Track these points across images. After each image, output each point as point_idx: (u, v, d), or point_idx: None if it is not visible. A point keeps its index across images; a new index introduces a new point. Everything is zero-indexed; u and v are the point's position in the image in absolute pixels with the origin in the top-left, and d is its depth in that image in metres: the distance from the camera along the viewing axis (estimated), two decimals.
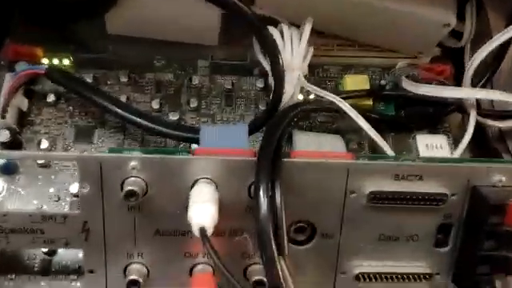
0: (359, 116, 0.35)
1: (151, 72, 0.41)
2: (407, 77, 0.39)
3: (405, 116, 0.42)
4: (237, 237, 0.30)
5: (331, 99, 0.36)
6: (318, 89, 0.36)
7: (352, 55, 0.44)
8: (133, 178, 0.28)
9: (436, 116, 0.41)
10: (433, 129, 0.42)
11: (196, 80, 0.41)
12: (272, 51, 0.31)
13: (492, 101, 0.43)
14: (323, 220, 0.30)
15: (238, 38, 0.42)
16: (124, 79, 0.40)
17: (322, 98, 0.36)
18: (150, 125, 0.35)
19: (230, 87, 0.41)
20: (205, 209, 0.25)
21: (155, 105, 0.39)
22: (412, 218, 0.31)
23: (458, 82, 0.43)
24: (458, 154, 0.38)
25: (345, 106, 0.35)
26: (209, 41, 0.42)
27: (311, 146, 0.31)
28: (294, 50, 0.37)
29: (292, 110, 0.32)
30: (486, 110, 0.42)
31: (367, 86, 0.40)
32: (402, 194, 0.29)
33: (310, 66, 0.38)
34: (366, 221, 0.30)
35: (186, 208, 0.27)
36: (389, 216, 0.30)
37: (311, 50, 0.38)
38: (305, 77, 0.37)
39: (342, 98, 0.37)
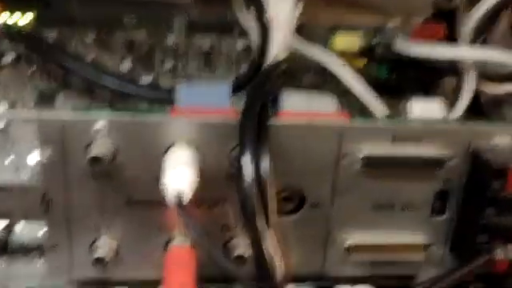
0: (352, 73, 0.32)
1: (121, 31, 0.37)
2: (399, 37, 0.36)
3: (398, 79, 0.39)
4: (217, 208, 0.27)
5: (322, 56, 0.32)
6: (307, 44, 0.33)
7: (340, 14, 0.41)
8: (99, 142, 0.24)
9: (430, 79, 0.39)
10: (427, 92, 0.39)
11: (171, 40, 0.37)
12: (257, 2, 0.28)
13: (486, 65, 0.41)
14: (313, 188, 0.27)
15: None
16: (91, 38, 0.36)
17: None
18: (119, 86, 0.31)
19: (208, 48, 0.38)
20: (182, 173, 0.22)
21: (126, 66, 0.36)
22: (408, 184, 0.28)
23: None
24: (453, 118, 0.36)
25: (336, 62, 0.32)
26: None
27: (300, 106, 0.28)
28: (281, 5, 0.33)
29: (278, 67, 0.29)
30: (483, 74, 0.39)
31: (358, 46, 0.37)
32: (398, 158, 0.27)
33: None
34: (360, 188, 0.28)
35: (159, 175, 0.24)
36: (384, 182, 0.28)
37: (300, 5, 0.35)
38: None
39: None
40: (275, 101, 0.29)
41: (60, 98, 0.34)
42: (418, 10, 0.41)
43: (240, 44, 0.38)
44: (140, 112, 0.26)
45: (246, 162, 0.23)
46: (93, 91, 0.35)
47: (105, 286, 0.28)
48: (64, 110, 0.27)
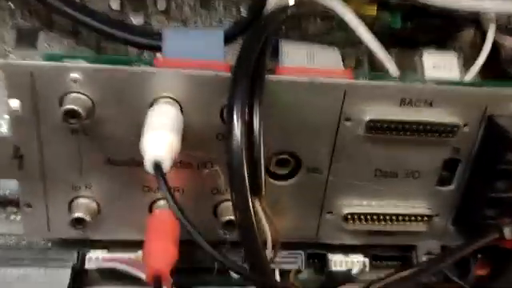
0: (360, 23, 0.28)
1: None
2: None
3: (411, 29, 0.35)
4: (206, 169, 0.25)
5: (327, 2, 0.29)
6: None
7: None
8: (74, 94, 0.22)
9: (447, 30, 0.35)
10: (442, 46, 0.36)
11: None
12: None
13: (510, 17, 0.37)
14: (310, 151, 0.25)
15: None
16: None
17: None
18: (105, 28, 0.28)
19: None
20: (161, 138, 0.20)
21: (114, 4, 0.32)
22: (415, 151, 0.26)
23: None
24: (469, 77, 0.32)
25: (343, 9, 0.29)
26: None
27: (301, 60, 0.25)
28: None
29: (278, 14, 0.26)
30: (505, 27, 0.36)
31: None
32: (407, 123, 0.24)
33: None
34: (361, 153, 0.25)
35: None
36: (388, 148, 0.25)
37: None
38: None
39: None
40: (274, 52, 0.26)
41: (41, 39, 0.31)
42: None
43: None
44: (120, 61, 0.23)
45: (236, 121, 0.21)
46: (77, 32, 0.32)
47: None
48: (34, 58, 0.24)
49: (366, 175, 0.26)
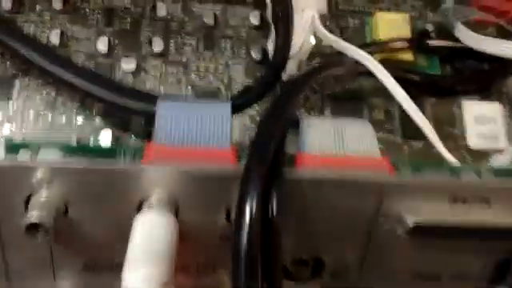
0: (397, 85, 0.23)
1: None
2: (463, 22, 0.27)
3: (451, 75, 0.30)
4: (208, 274, 0.20)
5: (357, 56, 0.24)
6: (339, 39, 0.24)
7: None
8: (42, 199, 0.17)
9: (492, 76, 0.30)
10: (485, 94, 0.31)
11: (163, 9, 0.29)
12: None
13: None
14: (337, 255, 0.20)
15: None
16: (58, 4, 0.28)
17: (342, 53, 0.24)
18: (90, 87, 0.23)
19: (211, 22, 0.29)
20: (143, 273, 0.15)
21: (102, 45, 0.27)
22: (465, 253, 0.21)
23: None
24: None
25: (377, 68, 0.24)
26: None
27: (327, 141, 0.20)
28: None
29: (300, 84, 0.21)
30: None
31: (407, 31, 0.28)
32: (460, 228, 0.19)
33: None
34: (399, 256, 0.21)
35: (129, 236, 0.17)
36: (433, 251, 0.21)
37: None
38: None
39: (372, 51, 0.26)
40: (294, 126, 0.21)
41: (16, 88, 0.26)
42: None
43: (254, 18, 0.29)
44: (103, 152, 0.18)
45: (248, 218, 0.16)
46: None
47: None
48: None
49: (402, 278, 0.21)
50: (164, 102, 0.20)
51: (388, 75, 0.23)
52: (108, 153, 0.18)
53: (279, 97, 0.20)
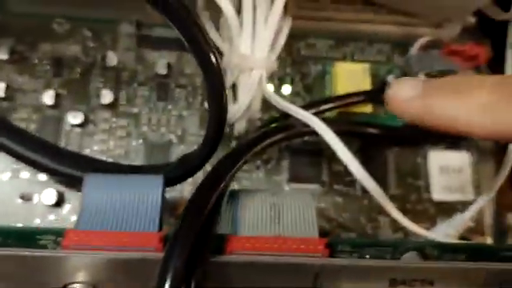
0: (347, 153, 0.22)
1: (47, 42, 0.28)
2: (427, 75, 0.26)
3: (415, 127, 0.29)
4: None
5: (301, 118, 0.23)
6: (286, 103, 0.23)
7: (352, 19, 0.30)
8: None
9: None
10: (452, 142, 0.30)
11: (114, 58, 0.28)
12: (205, 58, 0.18)
13: None
14: None
15: None
16: (4, 54, 0.27)
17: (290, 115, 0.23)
18: (19, 149, 0.22)
19: (164, 71, 0.28)
20: None
21: (48, 98, 0.26)
22: None
23: (496, 71, 0.30)
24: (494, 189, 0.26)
25: (325, 132, 0.22)
26: None
27: (262, 218, 0.19)
28: (258, 35, 0.23)
29: (239, 154, 0.20)
30: None
31: (366, 82, 0.27)
32: None
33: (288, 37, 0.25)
34: None
35: None
36: None
37: (287, 25, 0.25)
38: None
39: (328, 109, 0.25)
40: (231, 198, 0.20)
41: None
42: (456, 17, 0.30)
43: None
44: (22, 235, 0.17)
45: None
46: None
47: None
48: None
49: None
50: (91, 178, 0.19)
51: (336, 139, 0.22)
52: (29, 235, 0.17)
53: (212, 171, 0.19)
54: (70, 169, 0.21)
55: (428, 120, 0.18)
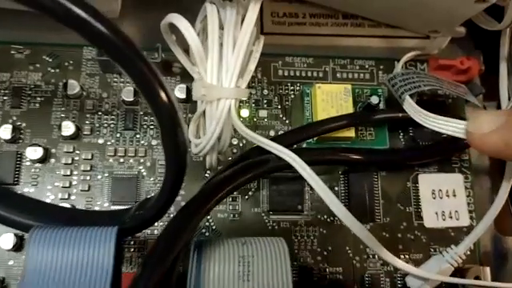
0: (323, 187, 0.20)
1: (5, 71, 0.26)
2: (413, 95, 0.24)
3: (401, 149, 0.27)
4: None
5: (279, 154, 0.21)
6: (257, 136, 0.21)
7: (333, 33, 0.28)
8: None
9: (451, 146, 0.27)
10: (444, 163, 0.28)
11: (76, 85, 0.26)
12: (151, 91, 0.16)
13: None
14: None
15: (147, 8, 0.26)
16: None
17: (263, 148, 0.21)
18: None
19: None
20: None
21: (5, 133, 0.24)
22: None
23: (489, 85, 0.28)
24: (489, 217, 0.24)
25: (302, 168, 0.20)
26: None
27: (229, 271, 0.17)
28: (224, 62, 0.21)
29: (201, 203, 0.18)
30: None
31: (348, 104, 0.25)
32: None
33: (261, 55, 0.23)
34: None
35: None
36: None
37: (259, 46, 0.23)
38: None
39: (306, 137, 0.23)
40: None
41: None
42: (445, 28, 0.28)
43: (180, 91, 0.26)
44: None
45: None
46: None
47: None
48: None
49: None
50: (36, 233, 0.17)
51: (313, 175, 0.20)
52: None
53: (170, 224, 0.17)
54: (18, 217, 0.19)
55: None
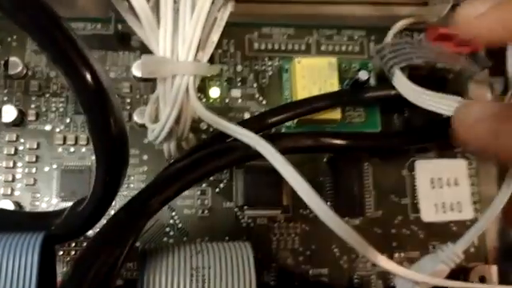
0: (297, 179, 0.17)
1: None
2: (404, 69, 0.20)
3: (395, 132, 0.24)
4: None
5: (248, 141, 0.17)
6: (221, 121, 0.18)
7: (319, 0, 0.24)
8: None
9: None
10: (444, 148, 0.24)
11: (19, 64, 0.22)
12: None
13: None
14: None
15: None
16: None
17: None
18: None
19: None
20: None
21: None
22: None
23: (496, 59, 0.24)
24: (494, 209, 0.21)
25: (273, 157, 0.17)
26: None
27: (180, 285, 0.14)
28: (180, 31, 0.18)
29: (151, 195, 0.14)
30: None
31: (334, 80, 0.22)
32: None
33: (234, 26, 0.20)
34: None
35: None
36: None
37: (225, 10, 0.19)
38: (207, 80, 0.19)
39: (283, 119, 0.20)
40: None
41: None
42: None
43: (137, 70, 0.23)
44: None
45: None
46: None
47: None
48: None
49: None
50: None
51: (287, 166, 0.17)
52: None
53: (112, 219, 0.14)
54: None
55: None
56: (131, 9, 0.19)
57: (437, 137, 0.23)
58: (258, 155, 0.18)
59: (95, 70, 0.13)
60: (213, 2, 0.18)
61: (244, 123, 0.19)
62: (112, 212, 0.17)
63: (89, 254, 0.13)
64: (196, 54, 0.18)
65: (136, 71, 0.22)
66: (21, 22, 0.12)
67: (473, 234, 0.21)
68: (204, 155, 0.17)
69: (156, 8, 0.18)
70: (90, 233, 0.20)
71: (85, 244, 0.20)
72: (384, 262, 0.19)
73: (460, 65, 0.22)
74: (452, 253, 0.20)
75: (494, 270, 0.23)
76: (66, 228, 0.15)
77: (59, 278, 0.17)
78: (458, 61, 0.23)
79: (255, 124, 0.19)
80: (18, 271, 0.14)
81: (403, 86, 0.20)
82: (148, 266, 0.14)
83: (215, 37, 0.19)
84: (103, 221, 0.15)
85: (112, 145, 0.13)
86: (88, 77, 0.12)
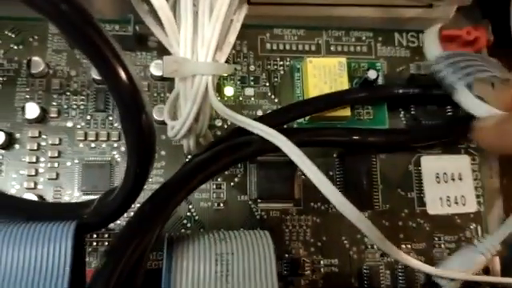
0: (315, 171, 0.18)
1: None
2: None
3: (402, 129, 0.25)
4: None
5: (264, 135, 0.18)
6: (239, 116, 0.19)
7: (327, 2, 0.25)
8: None
9: (457, 128, 0.24)
10: (449, 144, 0.25)
11: (41, 63, 0.23)
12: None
13: None
14: None
15: None
16: None
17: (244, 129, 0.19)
18: None
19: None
20: None
21: None
22: None
23: (498, 55, 0.25)
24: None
25: (291, 150, 0.18)
26: None
27: (206, 271, 0.15)
28: (200, 32, 0.18)
29: (178, 186, 0.15)
30: None
31: (343, 79, 0.23)
32: None
33: (247, 27, 0.21)
34: None
35: None
36: None
37: (241, 12, 0.20)
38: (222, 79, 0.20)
39: (296, 117, 0.21)
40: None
41: None
42: None
43: (156, 67, 0.24)
44: None
45: None
46: None
47: None
48: None
49: None
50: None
51: (303, 158, 0.18)
52: None
53: (141, 209, 0.15)
54: None
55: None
56: (151, 11, 0.20)
57: (445, 135, 0.24)
58: (273, 149, 0.19)
59: (127, 66, 0.13)
60: (229, 5, 0.19)
61: (260, 119, 0.20)
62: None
63: (122, 242, 0.14)
64: (214, 55, 0.19)
65: (154, 70, 0.23)
66: (60, 25, 0.13)
67: (508, 225, 0.22)
68: (224, 148, 0.18)
69: (174, 11, 0.19)
70: (112, 225, 0.22)
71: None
72: (411, 261, 0.20)
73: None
74: (490, 244, 0.21)
75: (496, 262, 0.24)
76: (97, 217, 0.16)
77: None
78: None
79: (270, 120, 0.20)
80: (52, 259, 0.15)
81: (470, 102, 0.21)
82: (175, 252, 0.15)
83: (232, 38, 0.19)
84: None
85: (143, 139, 0.14)
86: (122, 74, 0.13)
